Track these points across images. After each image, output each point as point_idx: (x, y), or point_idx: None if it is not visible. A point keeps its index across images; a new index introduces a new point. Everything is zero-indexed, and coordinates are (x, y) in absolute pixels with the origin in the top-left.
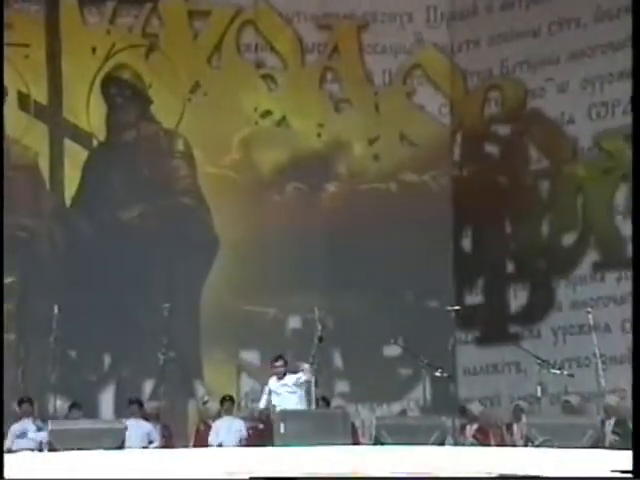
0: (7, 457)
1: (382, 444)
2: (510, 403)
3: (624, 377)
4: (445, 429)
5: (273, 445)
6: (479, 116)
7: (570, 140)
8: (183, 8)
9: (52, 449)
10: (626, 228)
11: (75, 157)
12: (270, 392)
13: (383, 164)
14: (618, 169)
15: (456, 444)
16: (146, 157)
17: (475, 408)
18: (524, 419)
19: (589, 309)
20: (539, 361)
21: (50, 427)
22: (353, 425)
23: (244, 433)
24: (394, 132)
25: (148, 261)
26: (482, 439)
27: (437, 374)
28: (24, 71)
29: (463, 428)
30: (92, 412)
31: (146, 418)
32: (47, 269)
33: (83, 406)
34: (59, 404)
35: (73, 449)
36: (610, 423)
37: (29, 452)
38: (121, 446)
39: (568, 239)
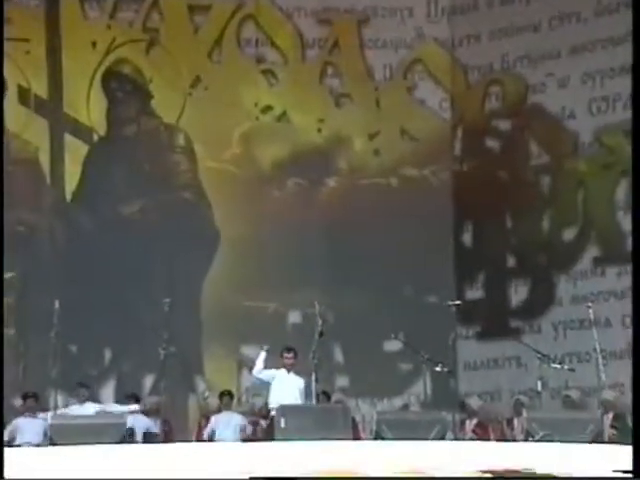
0: (9, 452)
1: (382, 439)
2: (511, 398)
3: (624, 372)
4: (445, 424)
5: (274, 440)
6: (480, 111)
7: (571, 135)
8: (183, 3)
9: (53, 443)
10: (627, 223)
11: (75, 152)
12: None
13: (384, 159)
14: (619, 164)
15: (455, 439)
16: (147, 152)
17: (474, 403)
18: (525, 414)
19: (589, 304)
20: (539, 356)
21: (50, 421)
22: (354, 420)
23: (247, 428)
24: (395, 127)
25: (149, 256)
26: (481, 434)
27: (437, 369)
28: (24, 66)
29: (462, 423)
30: None
31: (145, 413)
32: (47, 264)
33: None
34: (60, 399)
35: (74, 444)
36: (608, 417)
37: (32, 447)
38: (122, 441)
39: (569, 234)
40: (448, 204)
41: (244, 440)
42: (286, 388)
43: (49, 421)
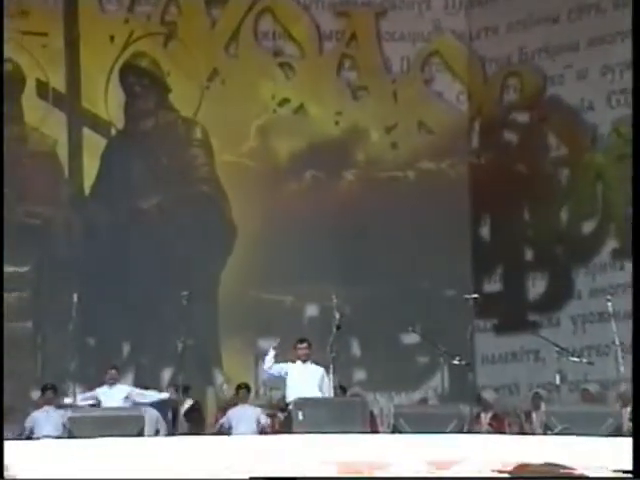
0: (28, 444)
1: (400, 432)
2: (529, 391)
3: None
4: (463, 417)
5: (291, 433)
6: (497, 103)
7: (589, 127)
8: None
9: (71, 436)
10: None
11: (93, 145)
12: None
13: (401, 152)
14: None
15: (471, 432)
16: (164, 145)
17: (489, 396)
18: (543, 407)
19: (608, 297)
20: (558, 349)
21: (69, 414)
22: (371, 413)
23: (263, 420)
24: (412, 120)
25: (166, 249)
26: (497, 427)
27: (455, 362)
28: (43, 59)
29: (478, 416)
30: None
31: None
32: (65, 257)
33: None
34: (78, 391)
35: (92, 436)
36: (627, 411)
37: (51, 440)
38: (140, 433)
39: (587, 227)
40: (465, 197)
41: (261, 433)
42: (304, 379)
43: (68, 414)
